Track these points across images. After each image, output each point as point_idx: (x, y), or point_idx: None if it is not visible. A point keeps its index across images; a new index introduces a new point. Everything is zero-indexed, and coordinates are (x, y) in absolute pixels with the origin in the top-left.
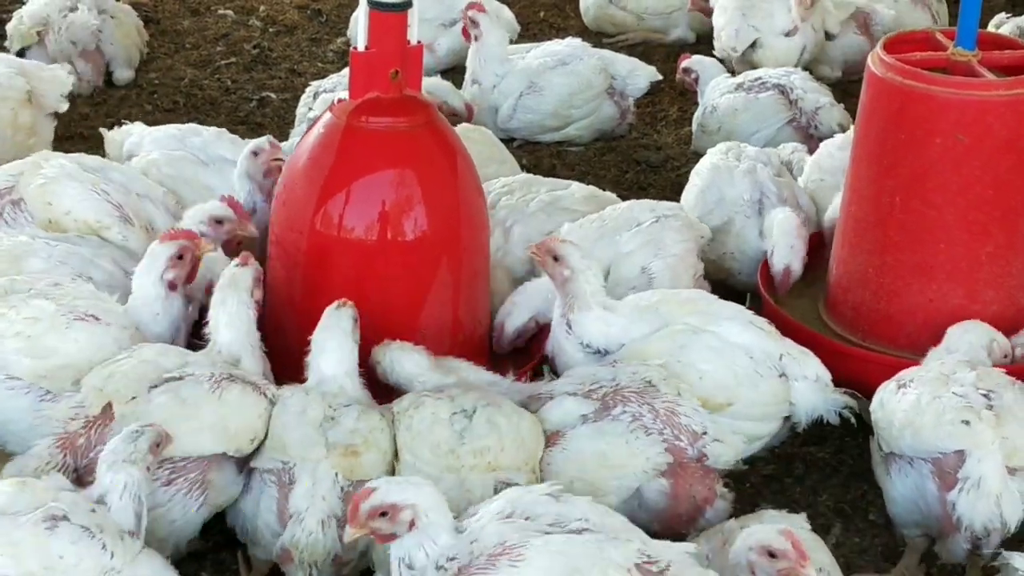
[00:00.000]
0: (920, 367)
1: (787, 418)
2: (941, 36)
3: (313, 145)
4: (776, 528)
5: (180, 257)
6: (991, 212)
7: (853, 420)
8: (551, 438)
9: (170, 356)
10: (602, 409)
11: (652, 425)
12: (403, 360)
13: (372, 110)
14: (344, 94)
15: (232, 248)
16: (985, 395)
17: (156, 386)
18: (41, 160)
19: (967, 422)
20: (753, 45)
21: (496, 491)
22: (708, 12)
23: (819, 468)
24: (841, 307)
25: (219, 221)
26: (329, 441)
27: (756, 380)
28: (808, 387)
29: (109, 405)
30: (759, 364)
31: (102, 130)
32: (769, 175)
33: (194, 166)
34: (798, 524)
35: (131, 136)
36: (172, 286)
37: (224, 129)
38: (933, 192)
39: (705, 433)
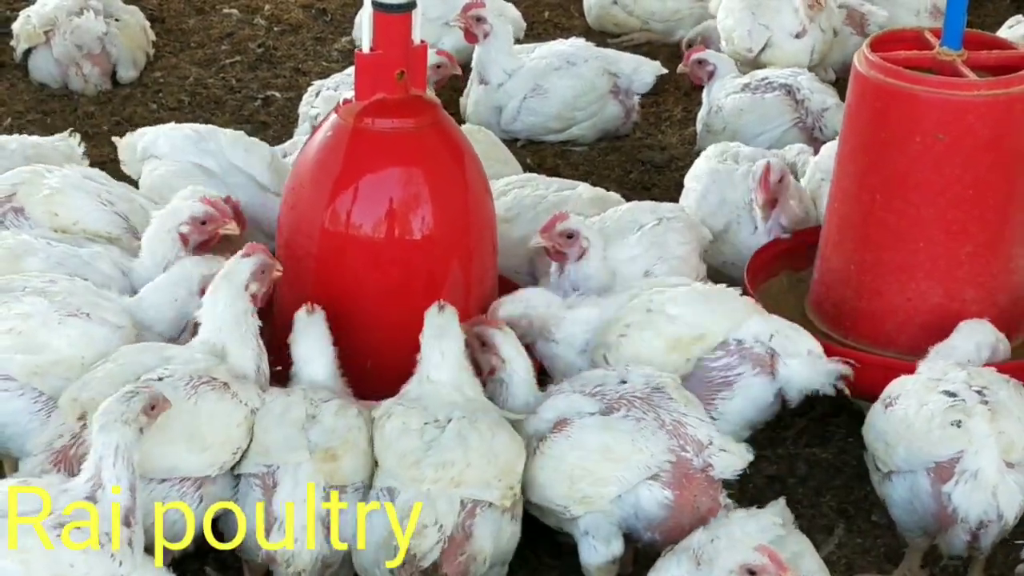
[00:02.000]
0: (905, 378)
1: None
2: (930, 35)
3: (320, 148)
4: (751, 546)
5: (204, 223)
6: (970, 211)
7: (846, 390)
8: (557, 425)
9: (151, 352)
10: (607, 410)
11: (657, 430)
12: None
13: (379, 111)
14: (348, 93)
15: (210, 246)
16: (979, 392)
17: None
18: (43, 170)
19: (958, 423)
20: (764, 46)
21: (463, 506)
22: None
23: (822, 469)
24: (824, 304)
25: (203, 222)
26: (311, 442)
27: None
28: (800, 362)
29: (84, 415)
30: None
31: (114, 139)
32: None
33: (203, 180)
34: (769, 524)
35: (145, 135)
36: (184, 240)
37: (242, 133)
38: (913, 191)
39: (711, 443)
